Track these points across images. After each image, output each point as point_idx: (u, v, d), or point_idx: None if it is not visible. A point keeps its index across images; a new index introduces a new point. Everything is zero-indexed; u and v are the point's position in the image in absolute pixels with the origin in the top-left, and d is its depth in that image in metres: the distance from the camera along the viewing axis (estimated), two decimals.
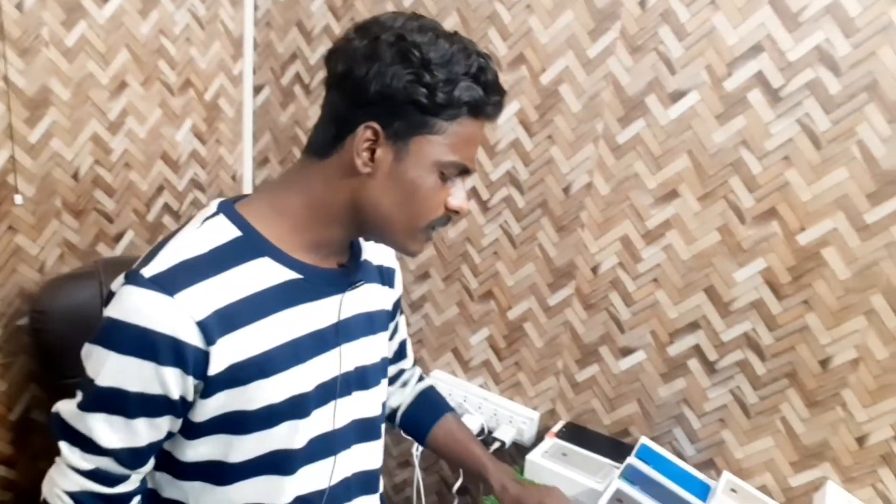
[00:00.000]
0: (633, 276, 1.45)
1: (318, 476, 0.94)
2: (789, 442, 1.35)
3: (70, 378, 1.39)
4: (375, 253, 1.05)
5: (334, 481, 0.96)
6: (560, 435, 1.55)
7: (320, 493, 0.95)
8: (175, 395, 0.82)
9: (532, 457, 1.47)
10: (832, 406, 1.30)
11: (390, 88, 0.81)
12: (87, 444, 0.84)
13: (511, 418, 1.65)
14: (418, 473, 1.80)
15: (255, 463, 0.89)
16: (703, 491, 1.38)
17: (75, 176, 1.55)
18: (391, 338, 1.14)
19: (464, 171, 0.89)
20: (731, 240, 1.33)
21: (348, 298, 0.95)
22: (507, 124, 1.51)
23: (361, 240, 1.00)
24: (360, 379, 0.99)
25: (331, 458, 0.95)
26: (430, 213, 0.88)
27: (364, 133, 0.83)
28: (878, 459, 1.27)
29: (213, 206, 0.89)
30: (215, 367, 0.82)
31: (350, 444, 0.98)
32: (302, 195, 0.87)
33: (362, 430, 1.00)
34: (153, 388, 0.81)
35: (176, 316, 0.79)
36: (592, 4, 1.38)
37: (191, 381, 0.82)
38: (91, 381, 0.83)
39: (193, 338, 0.80)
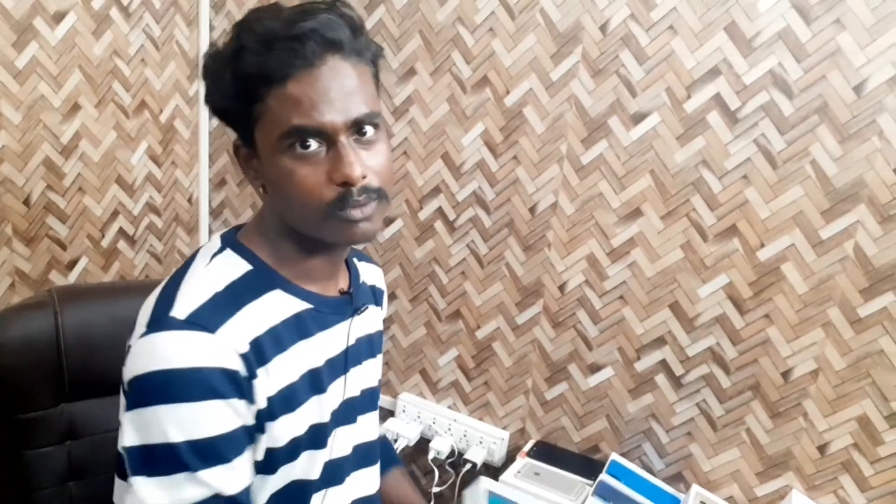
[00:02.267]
0: (599, 294, 1.47)
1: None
2: (754, 452, 1.39)
3: (23, 412, 1.34)
4: (368, 274, 1.04)
5: None
6: (531, 454, 1.56)
7: None
8: (251, 423, 0.79)
9: (506, 477, 1.47)
10: (794, 416, 1.34)
11: (213, 100, 0.80)
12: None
13: (481, 439, 1.65)
14: None
15: (275, 497, 0.86)
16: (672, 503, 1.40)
17: (26, 202, 1.50)
18: None
19: (317, 135, 0.76)
20: (694, 257, 1.37)
21: (355, 325, 0.93)
22: (473, 145, 1.53)
23: (355, 260, 0.99)
24: (364, 402, 0.97)
25: (333, 488, 0.93)
26: (317, 196, 0.76)
27: (234, 153, 0.83)
28: (839, 467, 1.32)
29: (217, 240, 0.86)
30: (260, 400, 0.79)
31: (350, 470, 0.96)
32: (267, 219, 0.85)
33: (362, 456, 0.98)
34: (233, 424, 0.77)
35: (223, 351, 0.76)
36: (554, 28, 1.41)
37: (255, 410, 0.79)
38: (167, 445, 0.74)
39: (241, 368, 0.77)
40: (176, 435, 0.74)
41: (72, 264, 1.62)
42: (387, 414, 1.77)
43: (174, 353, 0.74)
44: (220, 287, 0.80)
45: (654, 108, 1.35)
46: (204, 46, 1.78)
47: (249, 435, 0.80)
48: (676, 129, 1.34)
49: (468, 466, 1.61)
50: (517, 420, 1.63)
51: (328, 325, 0.88)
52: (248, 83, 0.76)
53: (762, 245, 1.31)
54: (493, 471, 1.59)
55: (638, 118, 1.37)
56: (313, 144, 0.76)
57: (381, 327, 1.05)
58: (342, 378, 0.92)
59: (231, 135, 0.84)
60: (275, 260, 0.85)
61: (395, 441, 1.68)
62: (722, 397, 1.39)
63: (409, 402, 1.73)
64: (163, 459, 0.75)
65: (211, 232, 1.95)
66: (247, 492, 0.80)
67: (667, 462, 1.48)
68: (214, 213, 1.94)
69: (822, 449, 1.33)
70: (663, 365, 1.44)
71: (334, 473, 0.92)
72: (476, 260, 1.59)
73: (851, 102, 1.21)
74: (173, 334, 0.75)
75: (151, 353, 0.75)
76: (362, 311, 0.93)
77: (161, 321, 0.76)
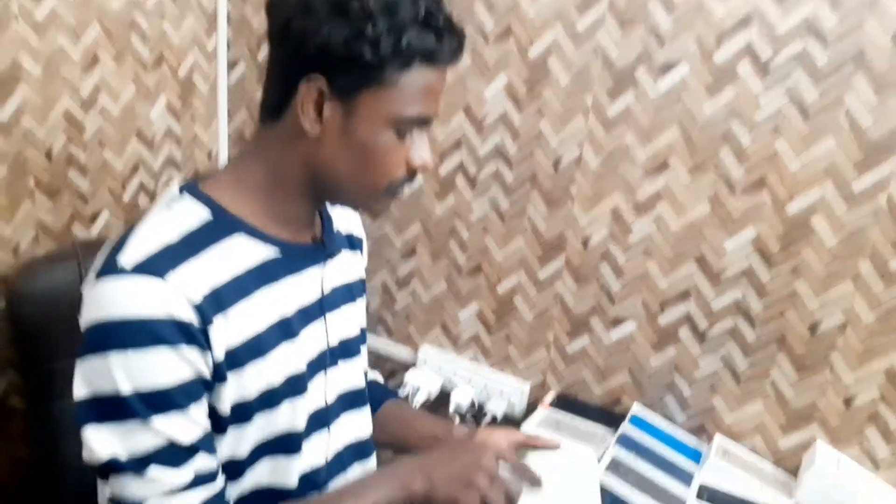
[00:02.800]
0: (623, 249, 1.46)
1: (316, 452, 0.93)
2: (778, 406, 1.39)
3: (49, 363, 1.35)
4: (342, 221, 1.02)
5: (330, 455, 0.95)
6: (552, 405, 1.57)
7: (319, 469, 0.93)
8: (207, 375, 0.78)
9: (527, 427, 1.49)
10: (820, 370, 1.34)
11: (329, 45, 0.75)
12: (173, 453, 0.76)
13: (502, 391, 1.66)
14: None
15: (262, 448, 0.86)
16: (695, 455, 1.42)
17: (48, 155, 1.49)
18: None
19: (423, 123, 0.83)
20: (721, 210, 1.35)
21: (328, 272, 0.92)
22: (496, 98, 1.50)
23: (329, 207, 0.97)
24: (345, 350, 0.97)
25: (325, 433, 0.94)
26: (390, 174, 0.82)
27: (308, 91, 0.77)
28: (865, 420, 1.32)
29: (174, 188, 0.84)
30: (217, 351, 0.78)
31: (339, 415, 0.96)
32: (261, 164, 0.83)
33: (350, 400, 0.99)
34: (186, 373, 0.76)
35: (172, 299, 0.74)
36: None
37: (210, 361, 0.78)
38: (116, 394, 0.74)
39: (192, 318, 0.75)
40: (125, 384, 0.74)
41: (94, 217, 1.62)
42: (408, 366, 1.78)
43: (120, 301, 0.73)
44: (174, 233, 0.78)
45: (683, 58, 1.33)
46: (222, 1, 1.76)
47: (206, 385, 0.78)
48: (706, 80, 1.32)
49: (489, 418, 1.62)
50: (538, 373, 1.64)
51: (297, 270, 0.87)
52: (406, 46, 0.76)
53: (791, 198, 1.29)
54: (514, 422, 1.61)
55: (666, 69, 1.34)
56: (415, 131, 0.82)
57: (362, 275, 1.04)
58: (320, 325, 0.91)
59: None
60: (240, 206, 0.83)
61: (416, 392, 1.69)
62: (747, 351, 1.39)
63: (430, 355, 1.74)
64: (114, 408, 0.75)
65: None
66: (206, 440, 0.80)
67: (689, 414, 1.49)
68: None
69: (847, 402, 1.33)
70: (687, 319, 1.44)
71: (320, 421, 0.92)
72: (498, 215, 1.58)
73: (888, 51, 1.18)
74: (120, 280, 0.74)
75: (98, 301, 0.75)
76: (334, 257, 0.93)
77: (108, 268, 0.75)
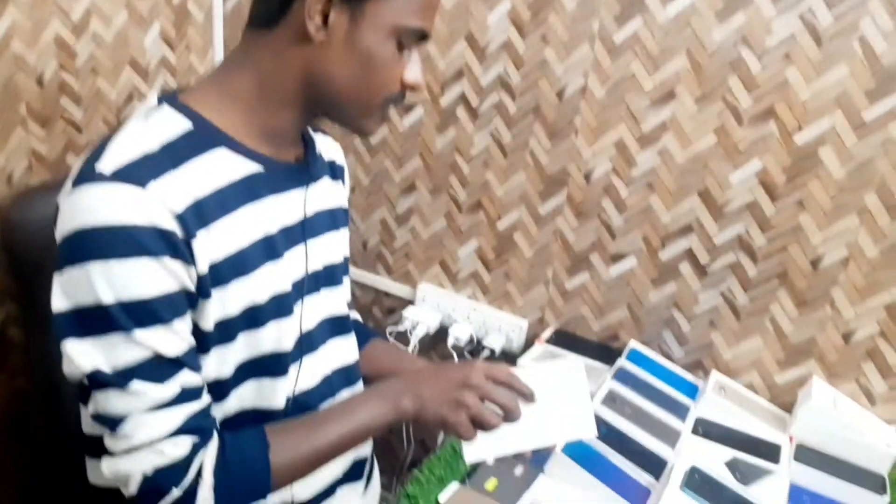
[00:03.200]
0: (626, 182, 1.44)
1: (303, 375, 0.92)
2: (777, 341, 1.38)
3: (46, 293, 1.35)
4: (325, 148, 1.01)
5: (316, 380, 0.94)
6: (550, 341, 1.56)
7: (307, 392, 0.93)
8: (191, 288, 0.76)
9: (523, 361, 1.49)
10: (821, 305, 1.32)
11: None
12: (158, 367, 0.75)
13: (500, 327, 1.66)
14: None
15: (247, 368, 0.85)
16: (691, 390, 1.42)
17: (40, 81, 1.46)
18: None
19: (421, 39, 0.82)
20: (727, 141, 1.32)
21: (311, 194, 0.91)
22: (499, 25, 1.46)
23: (310, 131, 0.95)
24: (328, 276, 0.95)
25: (311, 357, 0.93)
26: (387, 87, 0.82)
27: None
28: (863, 355, 1.31)
29: (153, 97, 0.81)
30: (200, 265, 0.76)
31: (325, 340, 0.96)
32: (250, 73, 0.80)
33: (334, 326, 0.98)
34: (170, 285, 0.74)
35: (154, 208, 0.71)
36: None
37: (194, 274, 0.76)
38: (98, 306, 0.72)
39: (175, 229, 0.73)
40: (107, 294, 0.71)
41: (88, 147, 1.59)
42: (406, 303, 1.78)
43: (100, 208, 0.70)
44: (153, 143, 0.75)
45: None
46: None
47: (190, 299, 0.77)
48: (716, 5, 1.27)
49: (486, 353, 1.62)
50: (536, 309, 1.63)
51: (281, 189, 0.85)
52: None
53: (800, 128, 1.26)
54: (512, 358, 1.60)
55: None
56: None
57: (344, 204, 1.02)
58: (302, 249, 0.90)
59: (244, 14, 0.81)
60: (224, 118, 0.80)
61: (415, 328, 1.69)
62: (747, 286, 1.38)
63: (429, 292, 1.74)
64: (95, 320, 0.73)
65: None
66: (191, 356, 0.78)
67: (687, 350, 1.49)
68: None
69: (846, 337, 1.32)
70: (688, 254, 1.42)
71: (307, 344, 0.91)
72: (499, 148, 1.55)
73: None
74: (99, 187, 0.71)
75: (76, 208, 0.71)
76: (318, 181, 0.92)
77: (86, 175, 0.72)
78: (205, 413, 0.81)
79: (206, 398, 0.81)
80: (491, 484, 1.21)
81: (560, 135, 1.47)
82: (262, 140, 0.83)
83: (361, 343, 1.11)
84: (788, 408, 1.38)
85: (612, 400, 1.33)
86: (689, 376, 1.46)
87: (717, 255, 1.39)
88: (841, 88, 1.21)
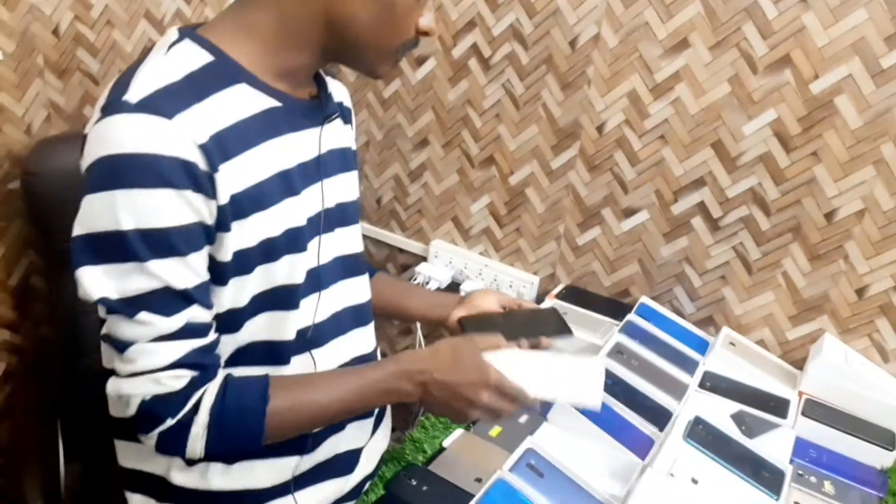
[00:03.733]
0: (639, 134, 1.42)
1: (309, 311, 0.91)
2: (789, 296, 1.36)
3: (64, 242, 1.38)
4: (335, 90, 1.00)
5: (326, 315, 0.95)
6: (560, 296, 1.56)
7: (317, 326, 0.93)
8: (210, 222, 0.77)
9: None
10: (834, 259, 1.30)
11: None
12: (165, 299, 0.76)
13: (511, 283, 1.66)
14: (421, 341, 1.83)
15: (260, 300, 0.86)
16: (701, 346, 1.41)
17: (56, 32, 1.47)
18: None
19: None
20: (741, 91, 1.29)
21: (325, 132, 0.91)
22: None
23: (323, 73, 0.96)
24: (341, 215, 0.96)
25: (322, 293, 0.93)
26: (404, 34, 0.83)
27: None
28: (877, 310, 1.29)
29: (174, 32, 0.81)
30: (222, 197, 0.76)
31: (337, 279, 0.96)
32: (271, 13, 0.80)
33: (347, 266, 0.98)
34: (188, 217, 0.74)
35: (179, 139, 0.72)
36: None
37: (214, 208, 0.76)
38: (117, 233, 0.72)
39: (199, 161, 0.73)
40: (127, 222, 0.72)
41: None
42: (419, 259, 1.79)
43: (127, 137, 0.71)
44: (177, 76, 0.76)
45: None
46: None
47: (207, 234, 0.77)
48: None
49: None
50: (547, 265, 1.63)
51: (298, 127, 0.86)
52: None
53: (816, 77, 1.22)
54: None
55: None
56: None
57: (352, 146, 1.03)
58: (317, 186, 0.90)
59: None
60: (242, 54, 0.80)
61: (427, 283, 1.70)
62: (760, 240, 1.36)
63: (441, 249, 1.74)
64: (111, 247, 0.73)
65: None
66: (202, 290, 0.79)
67: (698, 306, 1.47)
68: None
69: (860, 292, 1.30)
70: (701, 207, 1.40)
71: (320, 279, 0.91)
72: (511, 101, 1.54)
73: None
74: (126, 117, 0.71)
75: (104, 137, 0.72)
76: (332, 120, 0.92)
77: (114, 105, 0.72)
78: (209, 350, 0.81)
79: (212, 336, 0.82)
80: (495, 431, 1.22)
81: (573, 86, 1.45)
82: (278, 77, 0.83)
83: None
84: (800, 365, 1.36)
85: (618, 352, 1.33)
86: (699, 332, 1.45)
87: (730, 209, 1.37)
88: (859, 34, 1.17)
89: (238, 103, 0.79)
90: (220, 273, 0.81)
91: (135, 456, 0.94)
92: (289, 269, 0.86)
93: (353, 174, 1.01)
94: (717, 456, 1.11)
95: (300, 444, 0.93)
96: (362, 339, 1.01)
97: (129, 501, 0.96)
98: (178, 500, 0.92)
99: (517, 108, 1.53)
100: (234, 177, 0.77)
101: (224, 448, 0.83)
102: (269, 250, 0.83)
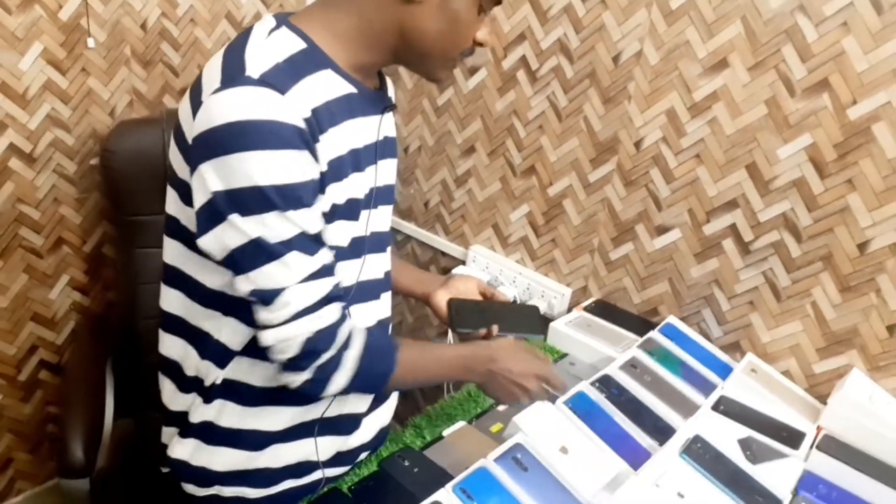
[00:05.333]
0: (675, 152, 1.42)
1: (348, 275, 0.99)
2: (818, 327, 1.32)
3: (134, 215, 1.52)
4: (389, 84, 1.09)
5: (364, 278, 1.02)
6: (588, 309, 1.57)
7: (348, 289, 0.99)
8: (318, 178, 0.86)
9: (556, 324, 1.51)
10: (865, 292, 1.25)
11: None
12: (307, 242, 0.85)
13: (543, 292, 1.68)
14: (452, 343, 1.87)
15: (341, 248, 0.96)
16: (723, 370, 1.38)
17: (143, 26, 1.63)
18: None
19: (497, 3, 0.94)
20: (778, 114, 1.28)
21: (384, 120, 1.00)
22: None
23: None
24: (386, 195, 1.05)
25: (359, 260, 1.00)
26: (464, 44, 0.92)
27: None
28: None
29: (271, 19, 0.91)
30: (322, 162, 0.86)
31: (374, 250, 1.04)
32: (353, 17, 0.90)
33: (381, 240, 1.06)
34: (310, 174, 0.84)
35: (292, 110, 0.81)
36: None
37: (317, 169, 0.86)
38: (255, 188, 0.81)
39: (309, 129, 0.83)
40: (262, 178, 0.80)
41: (183, 91, 1.76)
42: (458, 263, 1.84)
43: (252, 106, 0.79)
44: (281, 57, 0.84)
45: None
46: None
47: (320, 188, 0.87)
48: None
49: None
50: (580, 278, 1.64)
51: (367, 112, 0.95)
52: None
53: (854, 102, 1.20)
54: (551, 321, 1.62)
55: None
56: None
57: (395, 133, 1.11)
58: (374, 167, 0.99)
59: None
60: (328, 44, 0.89)
61: None
62: (790, 267, 1.33)
63: (479, 254, 1.78)
64: (252, 200, 0.82)
65: None
66: (323, 235, 0.89)
67: (725, 330, 1.45)
68: None
69: (891, 329, 1.24)
70: (732, 229, 1.38)
71: (364, 248, 1.00)
72: (555, 113, 1.57)
73: None
74: (250, 89, 0.80)
75: (229, 105, 0.80)
76: (390, 110, 1.01)
77: (236, 79, 0.81)
78: (338, 286, 0.92)
79: (338, 273, 0.92)
80: (496, 427, 1.25)
81: (613, 101, 1.47)
82: (353, 69, 0.92)
83: None
84: (825, 399, 1.31)
85: (632, 366, 1.33)
86: (724, 357, 1.42)
87: (761, 233, 1.35)
88: None
89: (326, 86, 0.88)
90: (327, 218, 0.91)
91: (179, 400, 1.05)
92: (339, 233, 0.94)
93: (395, 161, 1.10)
94: (711, 474, 1.10)
95: (308, 398, 1.02)
96: (385, 305, 1.11)
97: (169, 447, 1.06)
98: (196, 433, 1.03)
99: (560, 120, 1.57)
100: (328, 147, 0.87)
101: (361, 382, 0.95)
102: (331, 214, 0.91)
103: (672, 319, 1.47)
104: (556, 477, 1.06)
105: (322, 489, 1.10)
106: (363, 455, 1.16)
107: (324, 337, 0.89)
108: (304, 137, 0.82)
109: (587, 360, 1.45)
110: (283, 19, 0.91)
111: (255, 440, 1.02)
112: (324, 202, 0.88)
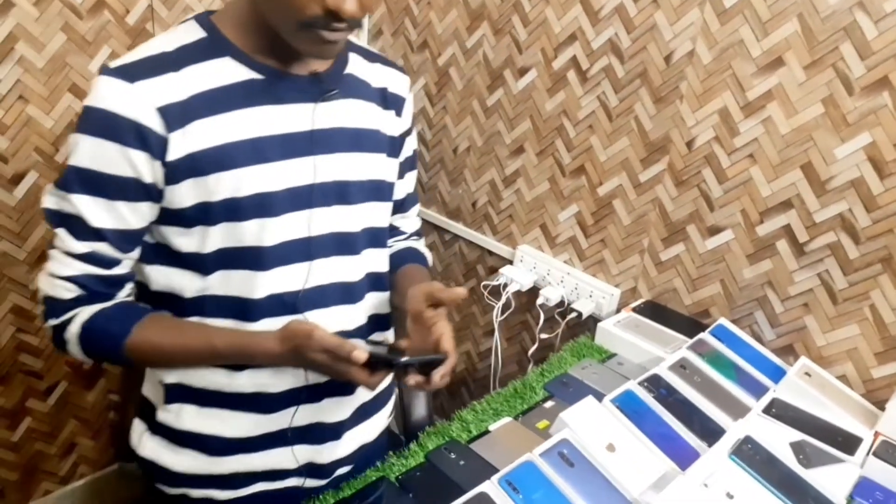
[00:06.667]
0: (728, 152, 1.40)
1: (292, 278, 0.96)
2: (876, 331, 1.29)
3: None
4: (379, 75, 1.05)
5: (309, 285, 0.98)
6: (637, 310, 1.56)
7: (294, 294, 0.97)
8: (148, 180, 0.87)
9: (605, 324, 1.50)
10: None
11: None
12: (79, 227, 0.89)
13: (591, 293, 1.67)
14: (498, 342, 1.88)
15: (228, 255, 0.93)
16: (776, 373, 1.36)
17: None
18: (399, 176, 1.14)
19: None
20: (835, 113, 1.25)
21: (325, 109, 0.95)
22: None
23: (354, 55, 1.02)
24: (341, 194, 0.98)
25: (306, 264, 0.97)
26: (299, 13, 0.82)
27: None
28: None
29: (191, 16, 0.93)
30: (174, 154, 0.86)
31: (328, 254, 0.99)
32: (246, 1, 0.89)
33: (341, 244, 1.00)
34: (125, 171, 0.86)
35: (136, 101, 0.84)
36: None
37: (158, 166, 0.86)
38: (69, 166, 0.88)
39: (154, 123, 0.84)
40: (73, 159, 0.87)
41: None
42: (505, 262, 1.85)
43: (96, 95, 0.85)
44: (168, 48, 0.88)
45: None
46: None
47: (146, 190, 0.88)
48: None
49: (574, 315, 1.65)
50: (630, 279, 1.63)
51: (283, 100, 0.92)
52: None
53: None
54: (595, 321, 1.62)
55: None
56: None
57: (388, 131, 1.05)
58: (308, 160, 0.94)
59: None
60: (235, 34, 0.90)
61: (509, 284, 1.75)
62: (847, 269, 1.30)
63: (527, 254, 1.79)
64: (64, 176, 0.88)
65: None
66: (122, 235, 0.90)
67: (778, 333, 1.42)
68: None
69: None
70: (787, 230, 1.36)
71: (300, 251, 0.96)
72: (605, 112, 1.57)
73: None
74: (101, 79, 0.85)
75: (89, 90, 0.87)
76: (331, 97, 0.95)
77: (102, 68, 0.86)
78: (107, 282, 0.93)
79: (117, 271, 0.93)
80: (542, 424, 1.25)
81: (665, 100, 1.46)
82: (268, 54, 0.90)
83: (394, 270, 1.14)
84: (883, 405, 1.28)
85: (681, 367, 1.32)
86: (776, 360, 1.40)
87: (817, 234, 1.32)
88: None
89: (216, 74, 0.88)
90: (182, 218, 0.91)
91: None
92: (258, 232, 0.92)
93: (374, 157, 1.03)
94: (761, 476, 1.08)
95: (266, 405, 1.00)
96: (347, 316, 1.03)
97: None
98: (162, 432, 1.03)
99: (610, 120, 1.56)
100: (195, 137, 0.87)
101: (96, 358, 0.99)
102: (233, 209, 0.90)
103: (723, 321, 1.45)
104: (603, 474, 1.06)
105: (309, 500, 1.06)
106: (342, 470, 1.11)
107: (52, 306, 0.92)
108: (142, 134, 0.84)
109: (635, 360, 1.44)
110: (200, 14, 0.93)
111: (217, 445, 1.01)
112: (182, 194, 0.88)
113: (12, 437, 1.72)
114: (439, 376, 0.92)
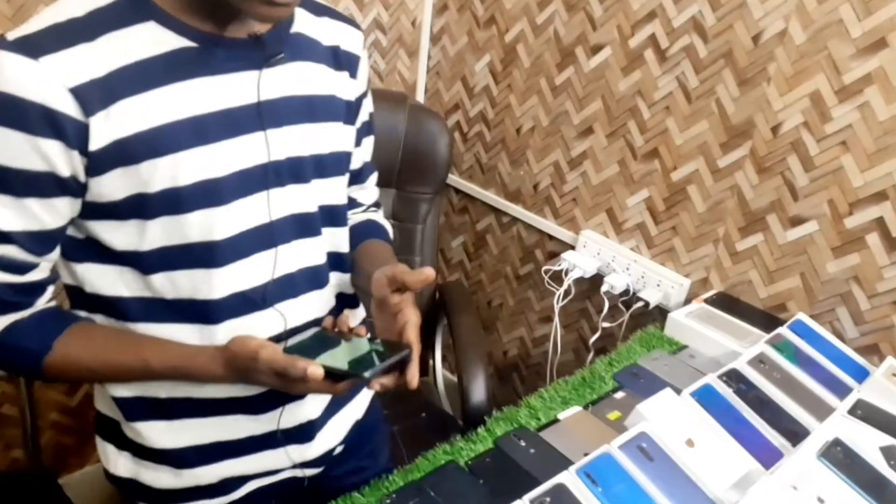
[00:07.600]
0: (817, 138, 1.33)
1: (256, 271, 0.86)
2: None
3: None
4: (329, 32, 0.91)
5: (277, 275, 0.88)
6: (709, 301, 1.50)
7: (261, 287, 0.87)
8: (65, 173, 0.74)
9: (675, 315, 1.45)
10: None
11: None
12: None
13: (659, 282, 1.62)
14: (557, 328, 1.83)
15: (173, 253, 0.81)
16: (859, 373, 1.29)
17: None
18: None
19: None
20: None
21: (271, 76, 0.82)
22: None
23: (299, 10, 0.88)
24: (295, 171, 0.87)
25: (271, 251, 0.87)
26: None
27: None
28: None
29: None
30: (97, 142, 0.73)
31: (290, 238, 0.89)
32: None
33: (301, 226, 0.90)
34: (35, 164, 0.73)
35: (43, 81, 0.69)
36: None
37: (77, 157, 0.73)
38: None
39: (68, 107, 0.71)
40: None
41: None
42: (567, 247, 1.79)
43: None
44: (78, 13, 0.72)
45: None
46: None
47: (63, 184, 0.75)
48: None
49: (640, 304, 1.59)
50: (701, 269, 1.57)
51: (223, 70, 0.78)
52: None
53: None
54: (666, 314, 1.56)
55: None
56: None
57: (343, 94, 0.93)
58: (258, 136, 0.82)
59: None
60: None
61: (571, 270, 1.70)
62: None
63: (591, 239, 1.73)
64: None
65: (430, 57, 2.03)
66: (32, 237, 0.77)
67: (862, 331, 1.35)
68: (434, 38, 2.01)
69: None
70: (879, 223, 1.28)
71: (262, 239, 0.85)
72: (684, 94, 1.50)
73: None
74: (0, 54, 0.69)
75: None
76: (277, 62, 0.82)
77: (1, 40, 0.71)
78: (21, 290, 0.80)
79: (32, 277, 0.81)
80: (613, 415, 1.21)
81: (750, 82, 1.39)
82: (201, 15, 0.76)
83: (363, 239, 1.05)
84: None
85: (760, 362, 1.26)
86: (859, 359, 1.33)
87: None
88: None
89: (140, 43, 0.74)
90: (113, 212, 0.78)
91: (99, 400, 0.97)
92: (205, 225, 0.80)
93: (330, 126, 0.91)
94: (853, 481, 1.02)
95: (246, 407, 0.92)
96: (318, 302, 0.95)
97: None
98: (132, 450, 0.94)
99: (689, 102, 1.50)
100: (120, 121, 0.73)
101: (13, 373, 0.86)
102: (174, 201, 0.78)
103: (801, 316, 1.38)
104: (684, 470, 1.01)
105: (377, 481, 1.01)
106: (337, 450, 1.05)
107: None
108: (54, 120, 0.70)
109: (708, 354, 1.39)
110: None
111: (200, 456, 0.93)
112: (110, 187, 0.75)
113: (71, 402, 1.73)
114: (410, 376, 0.80)
